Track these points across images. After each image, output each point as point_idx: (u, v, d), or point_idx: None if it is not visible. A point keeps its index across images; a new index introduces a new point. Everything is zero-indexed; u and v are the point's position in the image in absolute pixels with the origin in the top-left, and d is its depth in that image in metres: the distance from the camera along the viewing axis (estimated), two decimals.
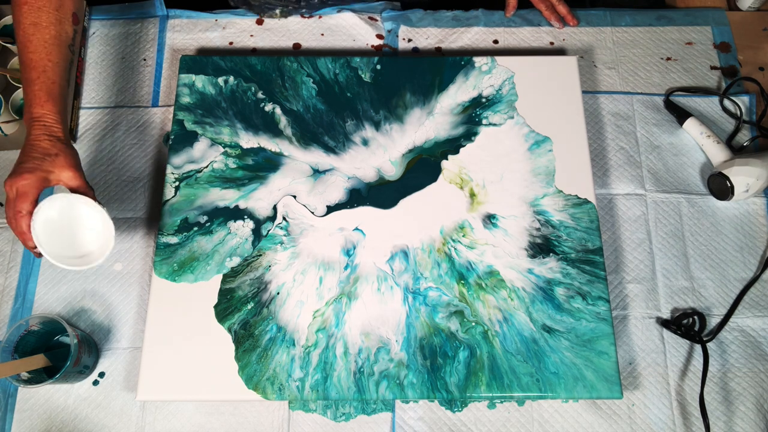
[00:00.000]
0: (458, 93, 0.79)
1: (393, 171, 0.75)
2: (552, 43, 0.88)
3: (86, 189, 0.62)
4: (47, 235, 0.59)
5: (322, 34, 0.88)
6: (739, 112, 0.82)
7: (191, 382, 0.65)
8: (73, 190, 0.61)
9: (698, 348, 0.71)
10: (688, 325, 0.71)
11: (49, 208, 0.59)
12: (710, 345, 0.71)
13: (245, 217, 0.72)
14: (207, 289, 0.69)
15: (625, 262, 0.75)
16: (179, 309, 0.68)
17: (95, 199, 0.62)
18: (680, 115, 0.81)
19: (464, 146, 0.76)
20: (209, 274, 0.70)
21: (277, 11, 0.88)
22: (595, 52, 0.87)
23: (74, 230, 0.62)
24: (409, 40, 0.88)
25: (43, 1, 0.63)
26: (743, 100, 0.83)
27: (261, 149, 0.76)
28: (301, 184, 0.74)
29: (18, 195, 0.58)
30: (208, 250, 0.71)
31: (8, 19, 0.83)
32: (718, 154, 0.78)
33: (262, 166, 0.75)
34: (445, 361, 0.66)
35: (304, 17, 0.90)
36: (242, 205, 0.73)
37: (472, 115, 0.78)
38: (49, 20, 0.63)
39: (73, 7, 0.66)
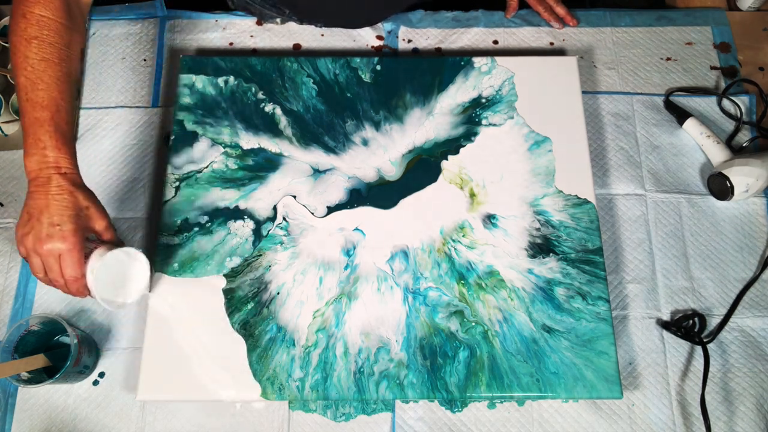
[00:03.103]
0: (458, 93, 0.79)
1: (393, 171, 0.75)
2: (552, 44, 0.88)
3: (116, 235, 0.61)
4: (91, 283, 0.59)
5: (322, 35, 0.89)
6: (738, 113, 0.82)
7: (191, 382, 0.65)
8: (107, 239, 0.60)
9: (698, 348, 0.71)
10: (688, 326, 0.71)
11: (99, 265, 0.58)
12: (710, 346, 0.71)
13: (245, 217, 0.72)
14: None
15: (625, 262, 0.75)
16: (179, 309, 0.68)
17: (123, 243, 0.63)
18: (680, 115, 0.81)
19: (464, 146, 0.76)
20: (209, 274, 0.70)
21: (278, 20, 0.88)
22: (595, 52, 0.87)
23: (114, 273, 0.62)
24: (409, 41, 0.88)
25: (54, 37, 0.59)
26: (743, 101, 0.83)
27: (261, 149, 0.76)
28: (301, 184, 0.74)
29: (63, 262, 0.55)
30: (208, 250, 0.71)
31: (8, 20, 0.83)
32: (718, 154, 0.78)
33: (262, 166, 0.75)
34: (445, 361, 0.66)
35: None
36: (242, 205, 0.73)
37: (472, 116, 0.78)
38: (61, 57, 0.59)
39: (81, 44, 0.63)
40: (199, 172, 0.75)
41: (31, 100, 0.57)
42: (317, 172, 0.75)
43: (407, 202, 0.73)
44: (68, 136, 0.58)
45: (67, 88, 0.59)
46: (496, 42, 0.88)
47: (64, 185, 0.56)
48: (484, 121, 0.77)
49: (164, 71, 0.86)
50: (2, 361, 0.62)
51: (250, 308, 0.68)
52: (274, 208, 0.73)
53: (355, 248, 0.71)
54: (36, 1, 0.59)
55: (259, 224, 0.72)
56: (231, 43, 0.88)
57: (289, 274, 0.70)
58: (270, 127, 0.77)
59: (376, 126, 0.77)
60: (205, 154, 0.75)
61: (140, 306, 0.72)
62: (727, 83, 0.85)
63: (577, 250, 0.71)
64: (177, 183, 0.74)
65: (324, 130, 0.77)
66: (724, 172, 0.74)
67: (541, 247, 0.71)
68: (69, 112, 0.59)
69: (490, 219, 0.72)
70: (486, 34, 0.89)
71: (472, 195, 0.74)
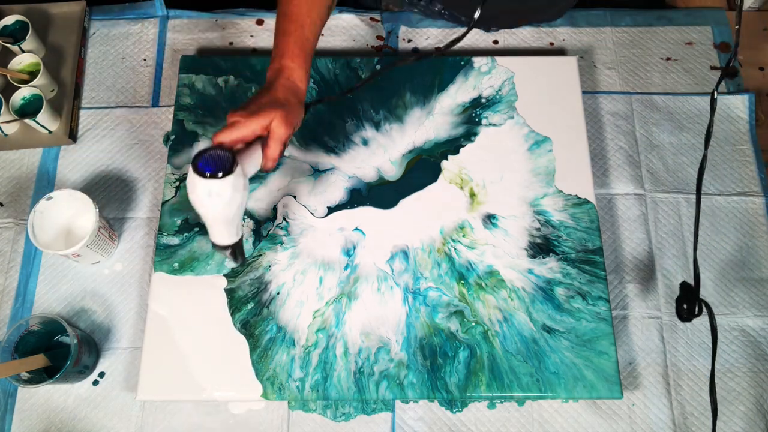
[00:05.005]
0: (458, 93, 0.79)
1: (393, 171, 0.75)
2: (552, 44, 0.88)
3: (282, 147, 0.59)
4: (41, 226, 0.69)
5: (322, 35, 0.88)
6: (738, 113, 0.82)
7: (191, 382, 0.65)
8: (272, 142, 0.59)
9: (698, 348, 0.71)
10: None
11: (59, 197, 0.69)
12: (710, 344, 0.71)
13: (245, 217, 0.72)
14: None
15: (625, 262, 0.75)
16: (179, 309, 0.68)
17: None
18: None
19: (464, 146, 0.76)
20: (209, 274, 0.70)
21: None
22: (595, 52, 0.87)
23: (68, 224, 0.73)
24: (409, 41, 0.88)
25: None
26: (743, 100, 0.83)
27: None
28: (302, 183, 0.74)
29: (230, 125, 0.56)
30: (208, 250, 0.71)
31: (8, 19, 0.82)
32: None
33: None
34: (445, 361, 0.66)
35: None
36: None
37: (472, 116, 0.78)
38: None
39: None
40: None
41: (282, 13, 0.63)
42: (317, 171, 0.75)
43: (407, 202, 0.73)
44: (306, 50, 0.62)
45: (315, 8, 0.63)
46: (496, 42, 0.88)
47: (280, 86, 0.60)
48: (484, 121, 0.77)
49: (164, 71, 0.86)
50: (2, 361, 0.62)
51: (250, 308, 0.68)
52: (274, 208, 0.73)
53: (355, 248, 0.71)
54: None
55: (259, 224, 0.72)
56: (231, 43, 0.88)
57: (289, 274, 0.70)
58: None
59: (376, 126, 0.77)
60: None
61: (140, 306, 0.72)
62: (727, 83, 0.85)
63: (577, 250, 0.71)
64: (177, 183, 0.74)
65: (324, 130, 0.77)
66: None
67: (541, 247, 0.71)
68: (312, 30, 0.63)
69: (490, 219, 0.72)
70: (486, 33, 0.89)
71: (472, 195, 0.74)
